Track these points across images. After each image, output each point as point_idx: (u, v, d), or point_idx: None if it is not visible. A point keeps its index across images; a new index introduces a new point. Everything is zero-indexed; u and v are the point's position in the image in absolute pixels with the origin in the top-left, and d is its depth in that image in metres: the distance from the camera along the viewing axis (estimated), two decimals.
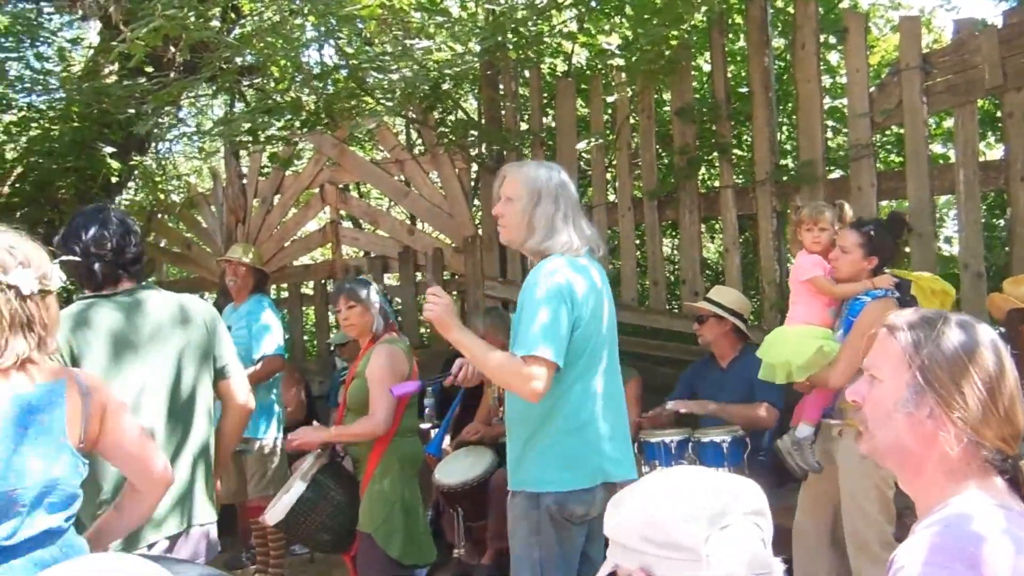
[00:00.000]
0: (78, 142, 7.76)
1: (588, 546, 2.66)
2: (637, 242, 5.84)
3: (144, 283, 2.81)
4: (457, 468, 4.52)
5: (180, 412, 2.68)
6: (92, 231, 2.66)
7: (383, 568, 3.54)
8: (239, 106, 8.92)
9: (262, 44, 5.49)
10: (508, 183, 2.74)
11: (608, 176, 6.33)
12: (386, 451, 3.60)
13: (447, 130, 6.27)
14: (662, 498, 1.30)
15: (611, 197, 6.10)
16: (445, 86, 5.84)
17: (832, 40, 5.97)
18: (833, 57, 6.58)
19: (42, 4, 8.58)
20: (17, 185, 8.27)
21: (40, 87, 7.82)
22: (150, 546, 2.53)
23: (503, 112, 6.31)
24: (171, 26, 3.97)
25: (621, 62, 5.93)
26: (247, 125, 5.26)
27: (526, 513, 2.60)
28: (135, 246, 2.73)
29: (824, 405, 3.53)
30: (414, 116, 6.46)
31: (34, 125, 8.23)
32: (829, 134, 6.20)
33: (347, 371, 6.08)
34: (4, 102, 8.34)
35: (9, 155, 8.71)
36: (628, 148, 5.81)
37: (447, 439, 4.86)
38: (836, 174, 5.57)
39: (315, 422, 4.27)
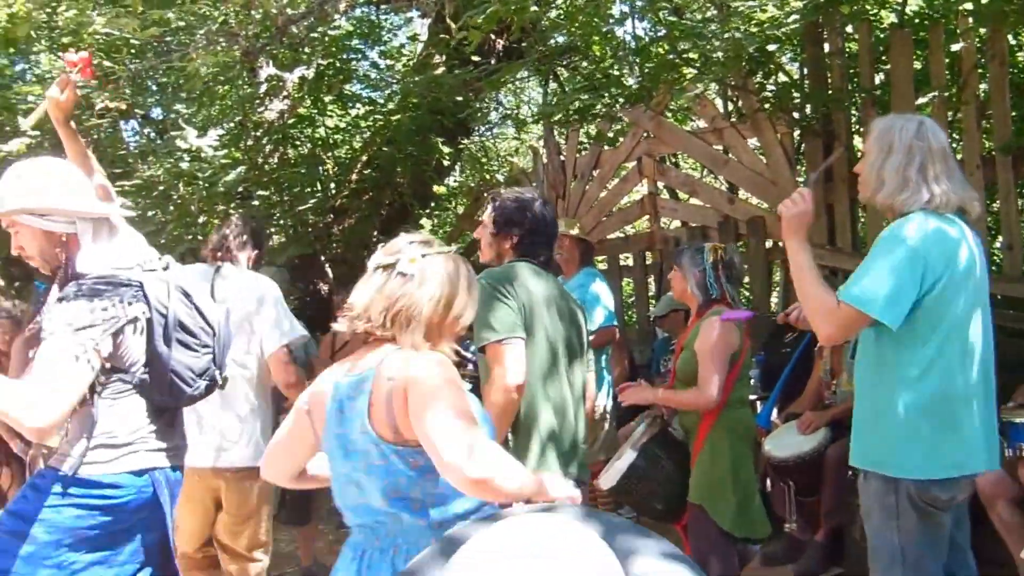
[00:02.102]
0: (414, 131, 8.45)
1: (956, 532, 2.47)
2: (988, 202, 5.28)
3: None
4: (788, 441, 4.39)
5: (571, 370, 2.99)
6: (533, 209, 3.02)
7: (714, 540, 3.51)
8: (552, 86, 9.26)
9: (576, 24, 5.64)
10: (866, 138, 2.64)
11: (952, 133, 5.78)
12: (716, 422, 3.57)
13: (769, 94, 6.04)
14: None
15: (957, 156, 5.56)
16: (770, 47, 5.62)
17: None
18: None
19: (381, 7, 9.45)
20: (365, 172, 9.21)
21: (383, 83, 8.65)
22: None
23: (828, 72, 5.97)
24: (505, 10, 4.19)
25: (969, 6, 5.36)
26: (576, 104, 5.44)
27: (881, 498, 2.44)
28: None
29: None
30: (733, 82, 6.31)
31: (377, 118, 9.08)
32: None
33: (666, 342, 6.16)
34: (352, 99, 9.31)
35: (356, 146, 9.73)
36: (976, 100, 5.26)
37: (775, 411, 4.76)
38: None
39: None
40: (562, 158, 7.67)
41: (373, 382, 1.90)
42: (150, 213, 7.94)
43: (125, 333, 2.35)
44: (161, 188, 7.79)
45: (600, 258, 8.10)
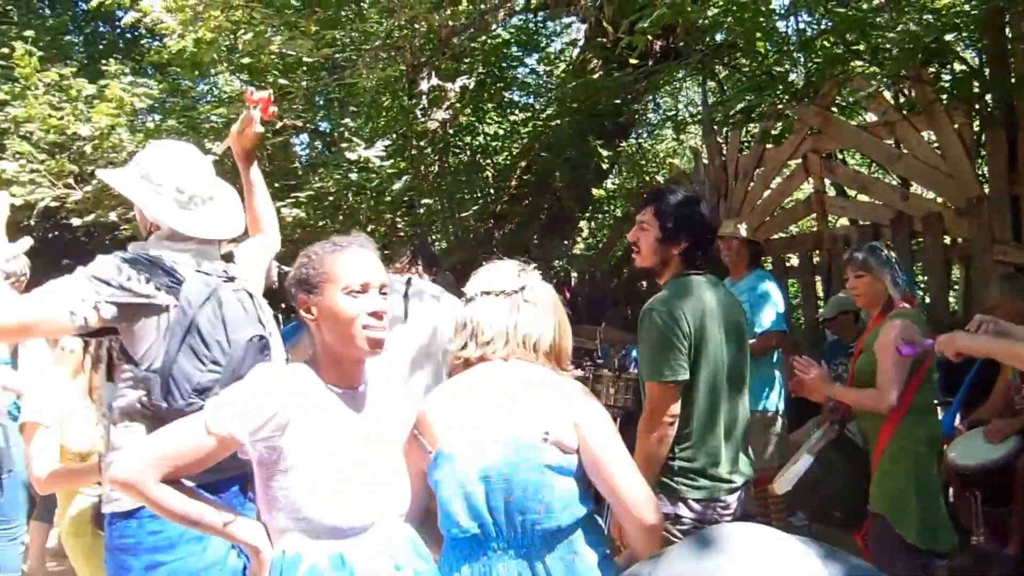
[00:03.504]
0: (572, 135, 8.52)
1: None
2: None
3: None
4: (974, 449, 4.16)
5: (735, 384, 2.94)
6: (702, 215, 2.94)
7: (897, 552, 3.34)
8: (710, 85, 9.11)
9: (737, 21, 5.54)
10: None
11: None
12: (898, 428, 3.41)
13: (945, 84, 5.73)
14: None
15: None
16: (948, 37, 5.35)
17: None
18: None
19: (538, 14, 9.58)
20: (524, 177, 9.36)
21: (541, 89, 8.78)
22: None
23: (1011, 58, 5.60)
24: (672, 14, 4.19)
25: None
26: (742, 104, 5.35)
27: None
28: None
29: None
30: (905, 74, 6.02)
31: (536, 124, 9.21)
32: None
33: (836, 345, 5.95)
34: (511, 106, 9.49)
35: (514, 152, 9.90)
36: None
37: (957, 417, 4.52)
38: None
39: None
40: (723, 158, 7.55)
41: None
42: (320, 223, 8.38)
43: (147, 319, 2.31)
44: (331, 198, 8.20)
45: (765, 259, 7.94)
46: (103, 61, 8.51)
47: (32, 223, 7.43)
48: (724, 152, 7.58)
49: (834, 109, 7.37)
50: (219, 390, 2.18)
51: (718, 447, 2.83)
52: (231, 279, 2.46)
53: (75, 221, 7.35)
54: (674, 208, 2.90)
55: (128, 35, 11.22)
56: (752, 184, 7.30)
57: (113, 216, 7.40)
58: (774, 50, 5.82)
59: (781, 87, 5.57)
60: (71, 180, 7.13)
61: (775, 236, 7.36)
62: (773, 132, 6.88)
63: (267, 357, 2.39)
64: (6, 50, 7.99)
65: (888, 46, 4.93)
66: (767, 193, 7.27)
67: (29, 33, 8.09)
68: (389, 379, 2.11)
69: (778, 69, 5.76)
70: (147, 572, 2.27)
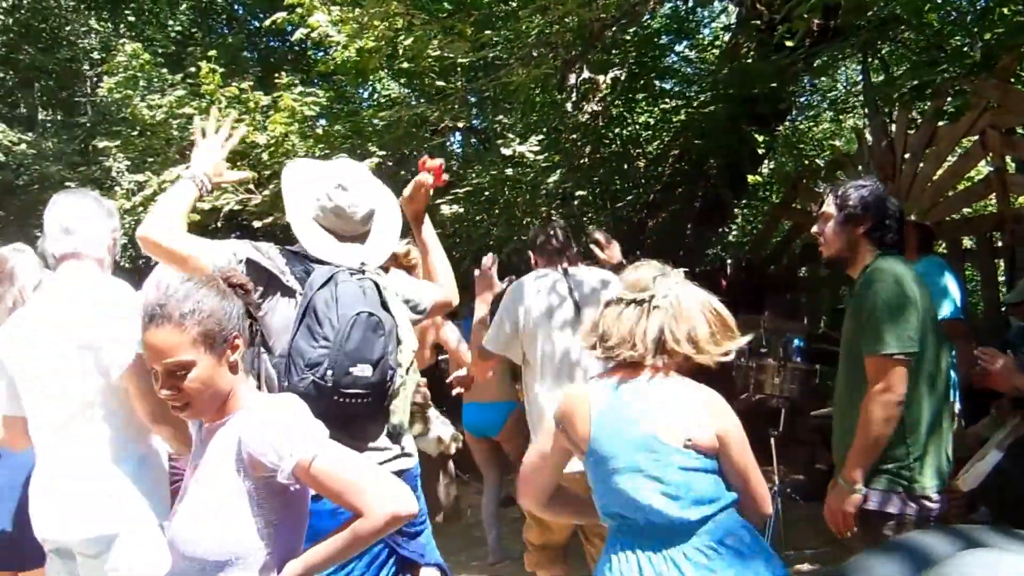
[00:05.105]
0: (725, 121, 8.37)
1: None
2: None
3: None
4: None
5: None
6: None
7: None
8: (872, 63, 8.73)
9: None
10: None
11: None
12: None
13: None
14: None
15: None
16: None
17: None
18: None
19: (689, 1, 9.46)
20: (677, 166, 9.28)
21: (694, 76, 8.67)
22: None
23: None
24: None
25: None
26: (911, 81, 5.11)
27: None
28: None
29: None
30: None
31: (689, 111, 9.10)
32: None
33: (1020, 331, 5.60)
34: (662, 95, 9.42)
35: (666, 140, 9.82)
36: None
37: None
38: None
39: None
40: (890, 138, 7.22)
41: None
42: (477, 218, 8.61)
43: (275, 299, 2.42)
44: (487, 194, 8.40)
45: (937, 243, 7.55)
46: (276, 74, 9.06)
47: (219, 225, 8.01)
48: (890, 132, 7.24)
49: (1013, 80, 6.92)
50: (328, 365, 2.27)
51: (942, 435, 2.77)
52: (361, 272, 2.50)
53: (255, 223, 7.86)
54: (851, 188, 2.88)
55: (297, 49, 11.88)
56: (922, 164, 6.95)
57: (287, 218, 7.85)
58: (947, 21, 5.50)
59: (954, 61, 5.26)
60: (251, 185, 7.62)
61: (950, 217, 6.99)
62: (946, 109, 6.52)
63: (380, 336, 2.37)
64: (193, 69, 8.65)
65: None
66: (939, 172, 6.90)
67: (212, 52, 8.72)
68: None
69: (952, 41, 5.44)
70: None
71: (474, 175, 8.25)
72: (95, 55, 12.29)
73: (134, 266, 8.51)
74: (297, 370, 2.28)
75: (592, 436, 2.14)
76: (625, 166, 9.25)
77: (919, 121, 7.03)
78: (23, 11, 12.32)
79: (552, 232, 3.96)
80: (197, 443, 2.03)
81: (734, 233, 11.58)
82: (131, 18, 12.83)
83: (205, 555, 1.84)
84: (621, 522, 2.15)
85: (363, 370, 2.31)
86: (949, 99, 6.45)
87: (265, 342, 2.41)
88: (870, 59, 8.40)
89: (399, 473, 2.46)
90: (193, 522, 1.88)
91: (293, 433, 1.83)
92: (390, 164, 8.36)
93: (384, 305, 2.46)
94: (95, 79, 11.48)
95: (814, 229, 3.02)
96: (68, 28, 12.63)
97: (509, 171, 8.05)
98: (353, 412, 2.34)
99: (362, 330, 2.32)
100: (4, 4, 12.15)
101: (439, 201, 7.71)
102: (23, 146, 11.04)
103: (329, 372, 2.27)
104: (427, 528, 2.69)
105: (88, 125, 11.64)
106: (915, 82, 5.25)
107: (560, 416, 2.22)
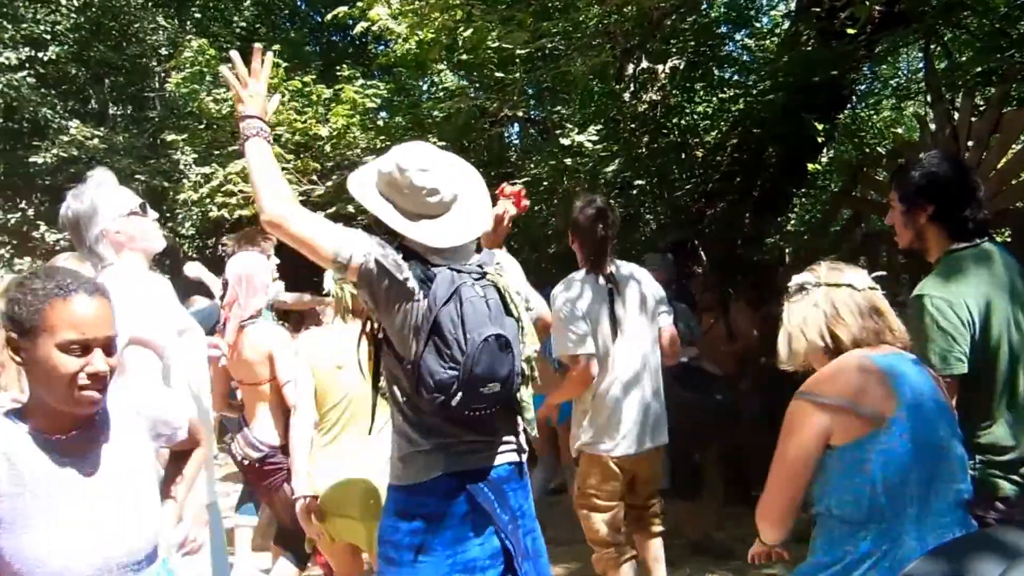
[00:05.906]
0: (784, 109, 8.31)
1: None
2: None
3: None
4: None
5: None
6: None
7: None
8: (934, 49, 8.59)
9: None
10: None
11: None
12: None
13: None
14: None
15: None
16: None
17: None
18: None
19: None
20: (735, 155, 9.23)
21: (753, 64, 8.61)
22: None
23: None
24: None
25: None
26: (979, 68, 5.04)
27: None
28: None
29: None
30: None
31: (748, 100, 9.05)
32: None
33: None
34: (721, 83, 9.37)
35: (724, 129, 9.77)
36: None
37: None
38: None
39: None
40: (953, 124, 7.11)
41: None
42: (536, 207, 8.69)
43: (396, 303, 2.33)
44: (546, 183, 8.48)
45: (1004, 230, 7.42)
46: (337, 67, 9.25)
47: None
48: (954, 119, 7.14)
49: None
50: (458, 387, 2.24)
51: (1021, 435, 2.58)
52: (482, 275, 2.41)
53: (319, 214, 8.04)
54: (910, 172, 2.69)
55: (358, 42, 12.07)
56: (986, 152, 6.85)
57: (351, 208, 8.03)
58: (1014, 6, 5.41)
59: (1021, 46, 5.17)
60: (314, 176, 7.81)
61: (1015, 206, 6.87)
62: (1012, 95, 6.41)
63: (508, 354, 2.32)
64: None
65: None
66: (1004, 160, 6.79)
67: (276, 47, 8.94)
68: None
69: (1018, 26, 5.36)
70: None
71: (532, 166, 8.33)
72: (163, 51, 12.70)
73: (201, 256, 8.77)
74: (426, 389, 2.27)
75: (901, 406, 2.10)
76: (683, 155, 9.22)
77: (983, 108, 6.92)
78: (94, 9, 12.75)
79: (598, 216, 3.91)
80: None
81: (792, 222, 11.46)
82: (197, 15, 13.22)
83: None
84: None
85: (492, 388, 2.31)
86: (1015, 85, 6.35)
87: (392, 346, 2.40)
88: (933, 45, 8.28)
89: (516, 465, 2.50)
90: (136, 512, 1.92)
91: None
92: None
93: (508, 310, 2.42)
94: (163, 75, 11.89)
95: (887, 219, 2.87)
96: (136, 25, 13.04)
97: (568, 161, 8.12)
98: (483, 417, 2.38)
99: (491, 353, 2.28)
100: (75, 2, 12.58)
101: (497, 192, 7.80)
102: (95, 140, 11.44)
103: (459, 395, 2.26)
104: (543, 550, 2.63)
105: (156, 119, 12.03)
106: (980, 68, 5.15)
107: (849, 393, 2.11)
